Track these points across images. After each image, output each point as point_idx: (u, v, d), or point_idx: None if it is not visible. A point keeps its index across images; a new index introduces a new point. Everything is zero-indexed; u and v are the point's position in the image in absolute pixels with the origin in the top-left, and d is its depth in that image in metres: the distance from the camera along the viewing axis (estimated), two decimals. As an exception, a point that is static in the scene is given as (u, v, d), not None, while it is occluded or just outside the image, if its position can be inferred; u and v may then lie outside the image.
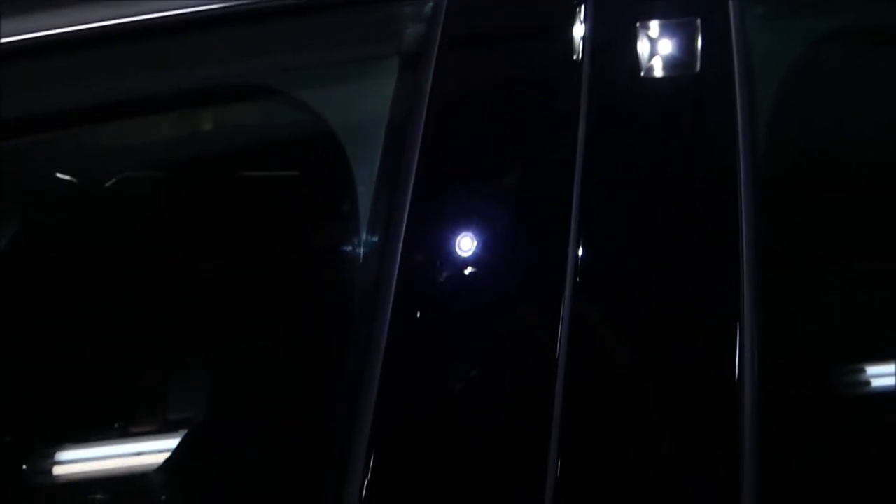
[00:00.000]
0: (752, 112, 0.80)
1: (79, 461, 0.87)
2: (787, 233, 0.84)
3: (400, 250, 0.77)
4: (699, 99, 0.84)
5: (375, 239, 0.86)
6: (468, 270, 0.77)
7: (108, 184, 1.02)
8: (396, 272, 0.76)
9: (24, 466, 0.86)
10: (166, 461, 0.85)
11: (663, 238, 0.77)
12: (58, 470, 0.85)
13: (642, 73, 0.84)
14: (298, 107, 1.00)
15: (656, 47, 0.85)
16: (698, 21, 0.85)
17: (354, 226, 0.90)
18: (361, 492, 0.69)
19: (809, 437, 0.75)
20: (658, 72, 0.84)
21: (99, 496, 0.85)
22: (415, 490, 0.70)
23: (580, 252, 0.75)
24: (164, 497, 0.86)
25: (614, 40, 0.86)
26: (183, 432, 0.87)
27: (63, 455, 0.86)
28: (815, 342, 0.83)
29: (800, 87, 0.90)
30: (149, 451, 0.87)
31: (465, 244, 0.78)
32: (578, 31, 0.87)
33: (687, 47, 0.84)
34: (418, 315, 0.76)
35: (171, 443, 0.86)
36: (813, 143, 0.92)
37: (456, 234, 0.78)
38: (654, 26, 0.86)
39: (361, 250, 0.89)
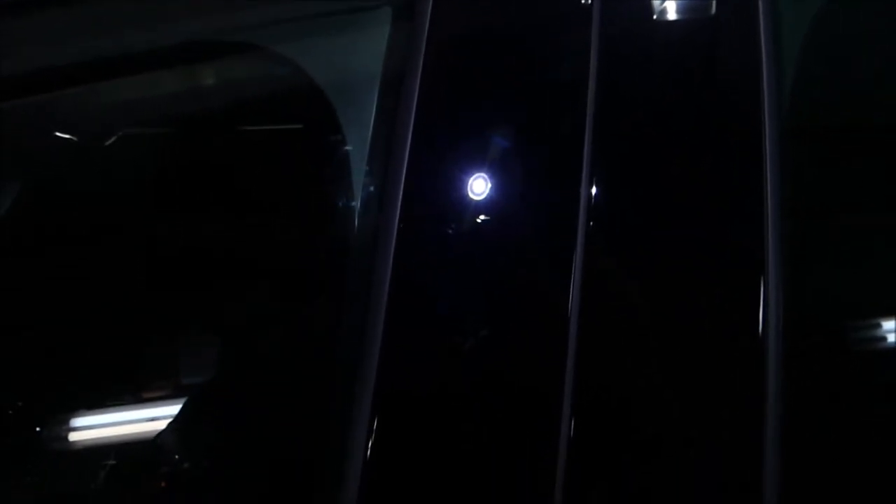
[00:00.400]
0: (778, 57, 0.74)
1: (84, 424, 0.86)
2: (813, 183, 0.79)
3: (400, 200, 0.73)
4: (718, 42, 0.77)
5: (372, 189, 0.82)
6: (471, 222, 0.73)
7: (108, 142, 0.99)
8: (396, 226, 0.73)
9: (37, 429, 0.86)
10: (168, 424, 0.84)
11: (682, 188, 0.72)
12: (63, 433, 0.85)
13: (656, 16, 0.78)
14: (284, 63, 0.92)
15: None
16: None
17: (348, 180, 0.86)
18: (365, 452, 0.66)
19: (834, 396, 0.73)
20: (674, 15, 0.78)
21: (93, 461, 0.84)
22: (420, 450, 0.68)
23: (592, 202, 0.71)
24: (165, 460, 0.84)
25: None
26: (187, 392, 0.86)
27: (70, 417, 0.85)
28: (841, 297, 0.79)
29: (829, 32, 0.84)
30: (148, 416, 0.86)
31: (468, 194, 0.74)
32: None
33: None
34: (420, 271, 0.73)
35: (175, 403, 0.86)
36: (841, 91, 0.86)
37: (458, 183, 0.74)
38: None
39: (358, 204, 0.84)
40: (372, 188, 0.82)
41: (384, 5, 0.89)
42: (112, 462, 0.84)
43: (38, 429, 0.86)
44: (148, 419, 0.85)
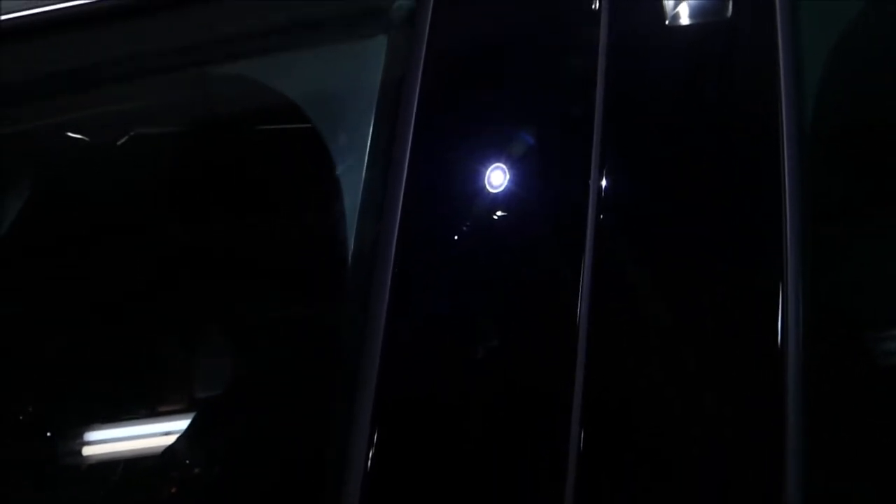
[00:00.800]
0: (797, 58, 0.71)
1: (91, 432, 0.85)
2: (833, 186, 0.76)
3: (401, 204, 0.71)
4: (734, 44, 0.74)
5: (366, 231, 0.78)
6: (469, 263, 0.71)
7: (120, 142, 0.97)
8: (397, 232, 0.71)
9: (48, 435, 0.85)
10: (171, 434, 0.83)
11: (698, 191, 0.69)
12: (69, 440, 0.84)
13: (668, 20, 0.75)
14: (275, 95, 0.89)
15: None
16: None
17: (341, 218, 0.82)
18: (367, 459, 0.65)
19: (855, 403, 0.69)
20: (687, 19, 0.75)
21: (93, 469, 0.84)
22: (423, 456, 0.66)
23: (602, 217, 0.69)
24: (169, 467, 0.82)
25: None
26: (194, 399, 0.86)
27: (79, 423, 0.85)
28: (862, 303, 0.76)
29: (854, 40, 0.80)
30: (152, 423, 0.85)
31: (465, 239, 0.71)
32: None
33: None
34: (421, 284, 0.71)
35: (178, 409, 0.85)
36: (861, 95, 0.82)
37: (454, 230, 0.72)
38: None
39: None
40: (366, 229, 0.79)
41: (380, 34, 0.85)
42: (115, 471, 0.83)
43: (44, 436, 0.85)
44: (151, 426, 0.84)
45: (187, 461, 0.82)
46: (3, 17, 0.88)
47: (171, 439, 0.81)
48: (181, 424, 0.84)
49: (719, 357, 0.64)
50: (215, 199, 0.93)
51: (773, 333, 0.63)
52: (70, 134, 0.96)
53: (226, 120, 0.94)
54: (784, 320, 0.63)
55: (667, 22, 0.75)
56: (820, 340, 0.65)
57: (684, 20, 0.75)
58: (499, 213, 0.72)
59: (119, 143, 0.96)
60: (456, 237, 0.71)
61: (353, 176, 0.82)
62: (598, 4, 0.76)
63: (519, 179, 0.72)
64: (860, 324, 0.75)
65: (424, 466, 0.66)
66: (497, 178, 0.73)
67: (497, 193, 0.72)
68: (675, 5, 0.75)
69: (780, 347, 0.62)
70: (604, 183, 0.70)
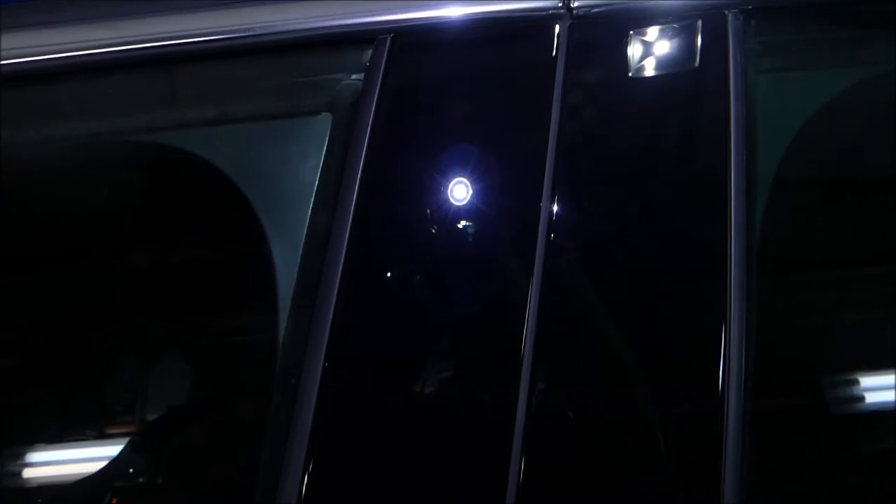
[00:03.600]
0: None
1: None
2: (779, 236, 0.78)
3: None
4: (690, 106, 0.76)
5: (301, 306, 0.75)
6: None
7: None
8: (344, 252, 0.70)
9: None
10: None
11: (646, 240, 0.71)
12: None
13: (621, 69, 0.76)
14: (211, 169, 0.83)
15: (650, 51, 0.76)
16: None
17: (273, 295, 0.78)
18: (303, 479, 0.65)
19: (795, 452, 0.73)
20: (641, 71, 0.76)
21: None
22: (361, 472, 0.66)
23: (548, 257, 0.69)
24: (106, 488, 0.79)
25: (591, 104, 0.76)
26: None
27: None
28: (804, 348, 0.79)
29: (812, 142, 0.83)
30: (89, 452, 0.82)
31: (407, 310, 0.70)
32: (547, 93, 0.76)
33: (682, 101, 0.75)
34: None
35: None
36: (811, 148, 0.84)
37: (394, 305, 0.71)
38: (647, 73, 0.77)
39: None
40: (301, 305, 0.75)
41: (324, 112, 0.82)
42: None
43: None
44: (95, 448, 0.82)
45: (128, 478, 0.79)
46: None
47: (110, 459, 0.79)
48: (121, 444, 0.81)
49: (663, 387, 0.66)
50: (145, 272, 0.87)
51: (715, 371, 0.65)
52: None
53: (157, 192, 0.88)
54: (726, 371, 0.65)
55: (620, 86, 0.76)
56: (762, 386, 0.67)
57: (641, 71, 0.76)
58: (441, 287, 0.71)
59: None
60: (395, 317, 0.70)
61: (289, 254, 0.78)
62: (551, 99, 0.76)
63: (460, 258, 0.72)
64: (803, 371, 0.77)
65: (363, 480, 0.65)
66: (441, 254, 0.72)
67: (440, 266, 0.72)
68: (631, 55, 0.76)
69: (720, 398, 0.64)
70: (551, 260, 0.69)
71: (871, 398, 0.76)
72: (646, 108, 0.76)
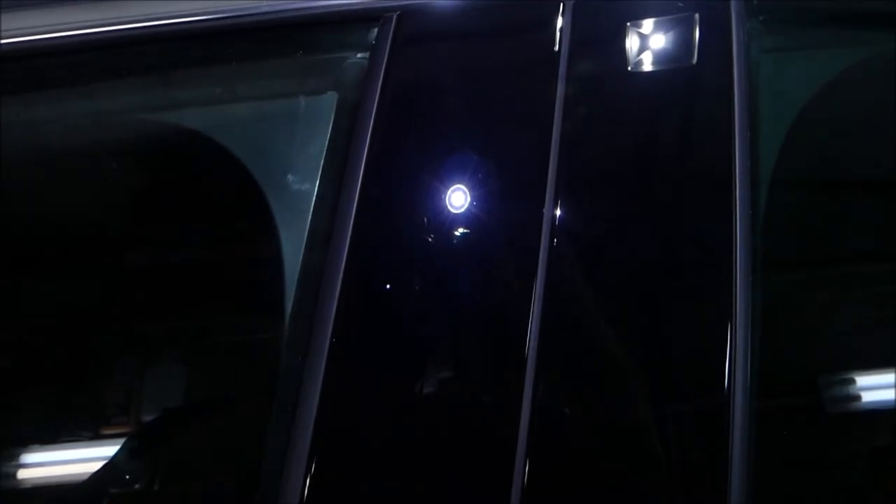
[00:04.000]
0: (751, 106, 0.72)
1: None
2: (784, 234, 0.78)
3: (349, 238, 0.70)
4: (692, 101, 0.75)
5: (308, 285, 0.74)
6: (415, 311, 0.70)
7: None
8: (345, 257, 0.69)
9: None
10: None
11: (650, 239, 0.70)
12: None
13: (623, 63, 0.75)
14: (219, 149, 0.84)
15: (646, 45, 0.76)
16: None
17: (280, 274, 0.79)
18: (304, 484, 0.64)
19: (802, 455, 0.72)
20: (643, 65, 0.75)
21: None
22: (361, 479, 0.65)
23: (552, 272, 0.68)
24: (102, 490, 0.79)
25: (594, 85, 0.76)
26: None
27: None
28: (810, 349, 0.78)
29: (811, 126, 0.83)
30: (87, 453, 0.81)
31: (412, 289, 0.70)
32: (552, 76, 0.76)
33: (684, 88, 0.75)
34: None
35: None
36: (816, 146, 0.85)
37: (401, 283, 0.71)
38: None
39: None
40: (307, 284, 0.75)
41: (329, 91, 0.82)
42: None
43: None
44: (90, 448, 0.81)
45: (126, 480, 0.78)
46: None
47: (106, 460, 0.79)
48: (118, 445, 0.80)
49: (668, 391, 0.65)
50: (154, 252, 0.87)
51: (720, 373, 0.64)
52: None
53: (163, 170, 0.88)
54: (731, 372, 0.64)
55: (624, 65, 0.75)
56: (766, 385, 0.67)
57: (643, 65, 0.76)
58: (447, 269, 0.71)
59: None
60: (401, 303, 0.70)
61: (295, 231, 0.79)
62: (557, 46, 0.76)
63: (466, 243, 0.71)
64: (807, 369, 0.76)
65: (365, 483, 0.65)
66: (446, 237, 0.71)
67: (446, 250, 0.71)
68: (633, 49, 0.76)
69: (726, 399, 0.63)
70: (555, 255, 0.69)
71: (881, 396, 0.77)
72: (649, 87, 0.76)
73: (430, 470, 0.65)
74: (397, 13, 0.79)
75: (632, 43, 0.76)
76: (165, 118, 0.84)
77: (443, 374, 0.68)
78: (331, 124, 0.81)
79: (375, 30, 0.79)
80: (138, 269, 0.86)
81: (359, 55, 0.81)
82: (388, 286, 0.71)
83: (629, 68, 0.75)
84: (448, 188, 0.73)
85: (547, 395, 0.65)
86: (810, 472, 0.73)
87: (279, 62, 0.84)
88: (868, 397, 0.76)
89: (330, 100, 0.82)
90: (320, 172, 0.79)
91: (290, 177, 0.82)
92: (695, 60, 0.75)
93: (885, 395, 0.77)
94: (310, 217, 0.77)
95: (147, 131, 0.86)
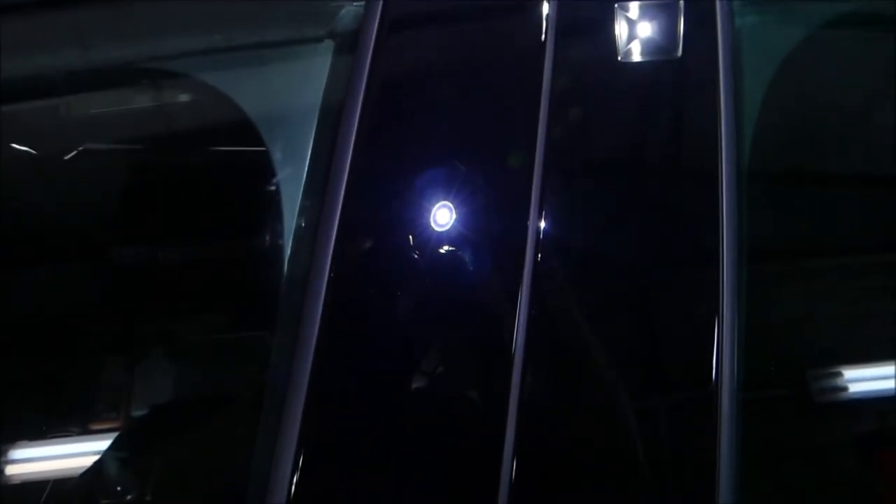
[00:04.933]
0: (738, 107, 0.71)
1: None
2: (770, 225, 0.78)
3: (334, 238, 0.69)
4: (678, 92, 0.74)
5: (304, 226, 0.77)
6: (408, 261, 0.70)
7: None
8: (329, 265, 0.68)
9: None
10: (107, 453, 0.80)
11: (635, 226, 0.70)
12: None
13: (616, 61, 0.74)
14: (217, 94, 0.85)
15: (634, 32, 0.74)
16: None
17: (279, 216, 0.80)
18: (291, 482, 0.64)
19: (789, 440, 0.73)
20: (634, 65, 0.74)
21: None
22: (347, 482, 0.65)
23: (541, 240, 0.68)
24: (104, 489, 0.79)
25: (584, 23, 0.75)
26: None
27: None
28: (796, 339, 0.79)
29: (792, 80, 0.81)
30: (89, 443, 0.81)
31: (406, 234, 0.70)
32: (542, 12, 0.76)
33: (668, 33, 0.73)
34: (354, 312, 0.69)
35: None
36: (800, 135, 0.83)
37: (396, 222, 0.71)
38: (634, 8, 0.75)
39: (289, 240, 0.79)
40: (304, 225, 0.77)
41: (326, 38, 0.82)
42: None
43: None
44: (88, 446, 0.81)
45: (112, 480, 0.79)
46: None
47: (96, 458, 0.79)
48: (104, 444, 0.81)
49: (653, 398, 0.65)
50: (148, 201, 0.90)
51: (707, 369, 0.64)
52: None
53: (164, 118, 0.90)
54: (719, 356, 0.64)
55: (611, 59, 0.74)
56: (753, 377, 0.66)
57: (629, 58, 0.75)
58: (437, 240, 0.70)
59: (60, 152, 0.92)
60: (391, 259, 0.70)
61: (294, 174, 0.80)
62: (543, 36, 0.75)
63: (459, 209, 0.71)
64: (792, 360, 0.76)
65: (351, 487, 0.65)
66: (439, 208, 0.71)
67: (436, 221, 0.71)
68: (620, 44, 0.75)
69: (713, 382, 0.64)
70: (542, 227, 0.69)
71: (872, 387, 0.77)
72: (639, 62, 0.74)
73: (417, 469, 0.65)
74: (393, -38, 0.78)
75: (620, 26, 0.75)
76: (165, 67, 0.86)
77: (429, 372, 0.67)
78: (327, 71, 0.81)
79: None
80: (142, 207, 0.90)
81: (355, 3, 0.81)
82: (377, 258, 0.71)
83: (619, 55, 0.75)
84: (444, 132, 0.74)
85: (535, 389, 0.65)
86: (796, 459, 0.74)
87: (277, 10, 0.85)
88: (853, 388, 0.77)
89: (327, 47, 0.83)
90: (317, 117, 0.80)
91: (288, 122, 0.83)
92: (681, 51, 0.74)
93: (869, 386, 0.78)
94: (308, 160, 0.79)
95: (146, 80, 0.88)
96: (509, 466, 0.63)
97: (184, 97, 0.88)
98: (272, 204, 0.81)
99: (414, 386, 0.67)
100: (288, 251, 0.78)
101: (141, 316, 0.87)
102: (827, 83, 0.86)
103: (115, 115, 0.92)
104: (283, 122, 0.84)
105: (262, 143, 0.84)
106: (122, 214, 0.89)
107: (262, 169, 0.83)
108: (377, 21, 0.78)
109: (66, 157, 0.91)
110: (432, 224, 0.70)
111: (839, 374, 0.76)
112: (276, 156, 0.83)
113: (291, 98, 0.84)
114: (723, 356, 0.64)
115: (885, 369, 0.76)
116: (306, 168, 0.79)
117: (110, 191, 0.89)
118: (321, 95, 0.81)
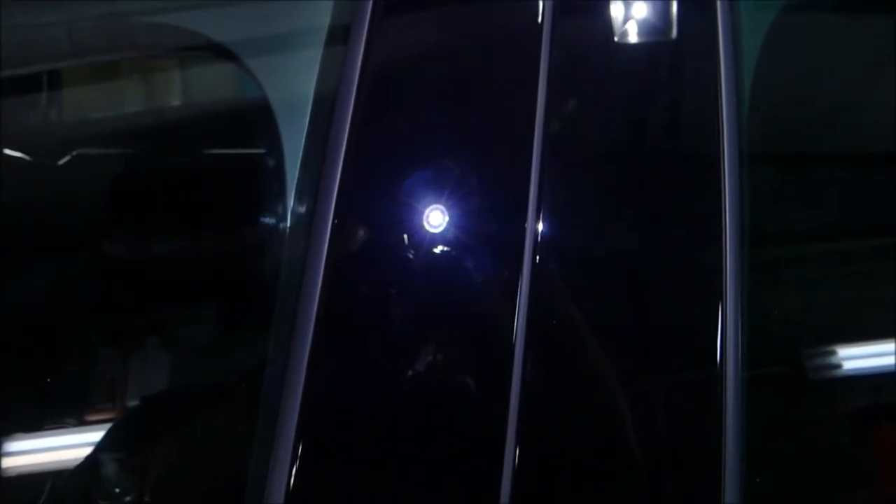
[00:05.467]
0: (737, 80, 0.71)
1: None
2: (772, 206, 0.79)
3: (330, 224, 0.68)
4: (675, 67, 0.74)
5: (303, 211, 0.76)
6: (404, 247, 0.69)
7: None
8: (325, 251, 0.68)
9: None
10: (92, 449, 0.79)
11: (635, 210, 0.70)
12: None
13: (612, 39, 0.74)
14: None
15: (629, 10, 0.74)
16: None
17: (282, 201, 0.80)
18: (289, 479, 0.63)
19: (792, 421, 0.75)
20: (631, 37, 0.74)
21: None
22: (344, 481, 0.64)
23: (539, 230, 0.67)
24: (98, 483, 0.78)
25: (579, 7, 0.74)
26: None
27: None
28: (800, 322, 0.80)
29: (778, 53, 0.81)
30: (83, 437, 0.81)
31: (403, 214, 0.69)
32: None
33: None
34: (351, 296, 0.69)
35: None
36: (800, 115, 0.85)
37: (389, 213, 0.70)
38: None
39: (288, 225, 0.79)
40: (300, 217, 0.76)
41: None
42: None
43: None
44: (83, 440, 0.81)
45: (107, 478, 0.78)
46: None
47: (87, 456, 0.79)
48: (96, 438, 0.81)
49: (658, 387, 0.65)
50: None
51: (712, 354, 0.64)
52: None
53: (164, 73, 0.90)
54: (723, 340, 0.64)
55: (608, 45, 0.74)
56: (757, 360, 0.67)
57: (627, 39, 0.74)
58: (434, 234, 0.69)
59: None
60: (388, 252, 0.70)
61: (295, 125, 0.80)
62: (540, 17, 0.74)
63: (455, 199, 0.70)
64: (795, 343, 0.78)
65: (349, 484, 0.64)
66: (434, 203, 0.70)
67: (431, 217, 0.70)
68: (618, 27, 0.75)
69: (718, 374, 0.64)
70: (541, 219, 0.68)
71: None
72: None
73: (415, 468, 0.65)
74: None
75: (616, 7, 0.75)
76: (166, 19, 0.85)
77: (428, 367, 0.66)
78: (327, 25, 0.81)
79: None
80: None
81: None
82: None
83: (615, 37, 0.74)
84: (445, 86, 0.74)
85: (536, 379, 0.64)
86: (796, 434, 0.76)
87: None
88: (848, 366, 0.79)
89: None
90: (318, 68, 0.79)
91: (288, 73, 0.84)
92: (679, 31, 0.74)
93: (864, 364, 0.80)
94: (309, 109, 0.78)
95: (146, 33, 0.87)
96: (511, 458, 0.62)
97: (183, 49, 0.88)
98: (273, 154, 0.81)
99: (413, 383, 0.66)
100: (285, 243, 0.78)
101: (134, 313, 0.87)
102: (806, 63, 0.87)
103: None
104: (284, 73, 0.84)
105: (262, 92, 0.83)
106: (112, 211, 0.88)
107: (262, 118, 0.83)
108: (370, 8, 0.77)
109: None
110: (428, 219, 0.69)
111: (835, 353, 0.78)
112: (277, 105, 0.83)
113: (292, 49, 0.84)
114: (727, 343, 0.64)
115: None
116: (300, 159, 0.79)
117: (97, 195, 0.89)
118: (322, 47, 0.80)
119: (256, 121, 0.84)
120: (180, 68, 0.92)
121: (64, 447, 0.81)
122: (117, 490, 0.77)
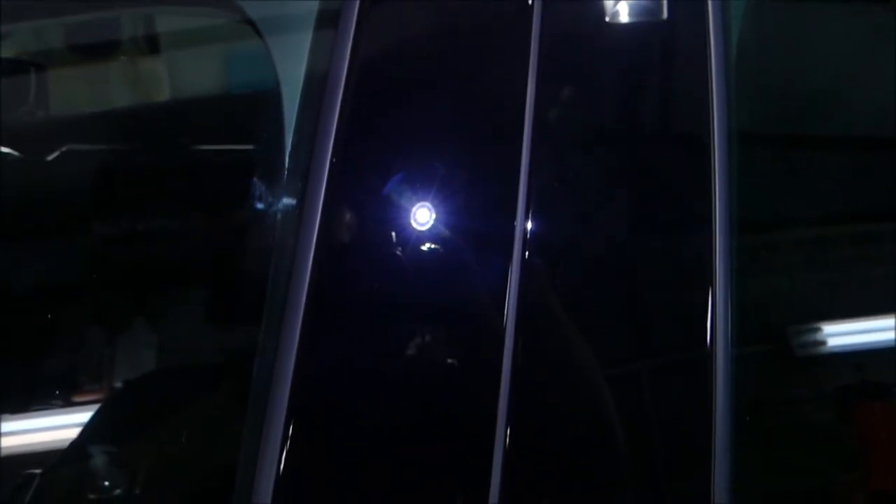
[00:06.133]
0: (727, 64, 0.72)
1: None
2: (762, 190, 0.79)
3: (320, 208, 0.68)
4: (664, 50, 0.75)
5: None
6: (393, 236, 0.68)
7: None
8: (315, 240, 0.67)
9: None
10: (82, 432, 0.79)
11: (624, 195, 0.70)
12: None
13: (598, 22, 0.75)
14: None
15: None
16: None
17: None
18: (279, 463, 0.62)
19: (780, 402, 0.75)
20: (616, 20, 0.75)
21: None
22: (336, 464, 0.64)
23: (529, 214, 0.67)
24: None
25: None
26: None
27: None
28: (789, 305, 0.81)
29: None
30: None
31: (390, 205, 0.69)
32: None
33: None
34: (341, 287, 0.68)
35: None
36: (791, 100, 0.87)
37: (380, 199, 0.69)
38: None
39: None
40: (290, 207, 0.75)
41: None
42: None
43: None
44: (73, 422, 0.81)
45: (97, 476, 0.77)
46: None
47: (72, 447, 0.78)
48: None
49: (647, 376, 0.65)
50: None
51: (702, 336, 0.65)
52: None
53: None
54: (713, 332, 0.65)
55: (598, 29, 0.75)
56: (746, 342, 0.68)
57: (618, 19, 0.75)
58: (423, 228, 0.69)
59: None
60: (378, 243, 0.69)
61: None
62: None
63: (447, 189, 0.70)
64: (783, 325, 0.79)
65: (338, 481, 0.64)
66: (421, 197, 0.70)
67: (419, 212, 0.69)
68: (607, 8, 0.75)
69: (708, 359, 0.64)
70: (531, 203, 0.68)
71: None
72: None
73: (404, 462, 0.64)
74: None
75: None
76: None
77: (416, 359, 0.66)
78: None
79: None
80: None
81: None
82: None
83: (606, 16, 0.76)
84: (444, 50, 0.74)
85: (527, 365, 0.64)
86: (783, 410, 0.78)
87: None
88: (832, 342, 0.81)
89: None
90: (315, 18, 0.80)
91: (286, 20, 0.85)
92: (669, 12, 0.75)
93: (848, 341, 0.82)
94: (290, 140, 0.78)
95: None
96: (501, 451, 0.62)
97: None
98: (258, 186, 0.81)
99: (402, 376, 0.65)
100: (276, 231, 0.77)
101: (122, 301, 0.86)
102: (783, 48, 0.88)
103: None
104: (281, 20, 0.85)
105: (261, 38, 0.85)
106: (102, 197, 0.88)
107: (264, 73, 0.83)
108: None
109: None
110: (418, 209, 0.69)
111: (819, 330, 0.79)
112: (276, 53, 0.84)
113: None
114: (716, 326, 0.65)
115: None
116: (289, 146, 0.79)
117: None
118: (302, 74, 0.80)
119: (245, 107, 0.84)
120: (167, 53, 0.92)
121: (50, 428, 0.81)
122: (106, 483, 0.75)
